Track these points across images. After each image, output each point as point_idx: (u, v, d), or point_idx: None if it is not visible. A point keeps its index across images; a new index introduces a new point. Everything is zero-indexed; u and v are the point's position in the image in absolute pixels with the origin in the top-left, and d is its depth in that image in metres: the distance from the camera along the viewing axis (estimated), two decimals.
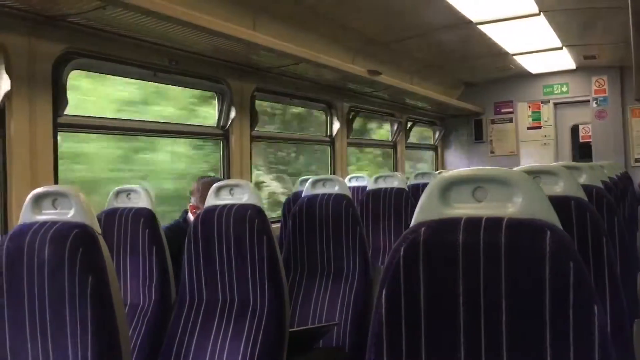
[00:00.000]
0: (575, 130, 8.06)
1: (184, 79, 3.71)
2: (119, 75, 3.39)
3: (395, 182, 3.84)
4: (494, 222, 1.11)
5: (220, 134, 4.01)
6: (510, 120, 8.18)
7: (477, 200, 1.18)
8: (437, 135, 8.38)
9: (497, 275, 1.08)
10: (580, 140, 8.02)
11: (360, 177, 4.95)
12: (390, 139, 6.92)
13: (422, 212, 1.19)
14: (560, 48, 6.31)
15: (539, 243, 1.07)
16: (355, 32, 4.91)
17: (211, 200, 2.31)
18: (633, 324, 1.92)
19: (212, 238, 2.22)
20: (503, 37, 5.60)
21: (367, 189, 3.99)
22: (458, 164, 8.26)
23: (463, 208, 1.18)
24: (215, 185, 2.33)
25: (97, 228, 1.71)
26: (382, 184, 3.89)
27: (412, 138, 7.66)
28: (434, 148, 8.40)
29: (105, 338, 1.64)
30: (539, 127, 8.07)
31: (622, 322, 1.80)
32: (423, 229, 1.15)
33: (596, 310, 1.04)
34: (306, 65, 4.05)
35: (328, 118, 5.38)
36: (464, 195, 1.19)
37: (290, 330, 2.20)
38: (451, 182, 1.19)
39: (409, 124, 7.24)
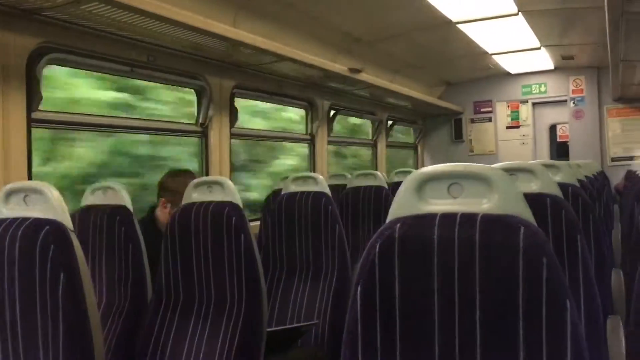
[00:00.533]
0: (553, 129, 8.16)
1: (162, 76, 3.66)
2: (94, 71, 3.34)
3: (375, 180, 3.84)
4: (469, 218, 1.12)
5: (199, 132, 3.97)
6: (490, 120, 8.25)
7: (452, 197, 1.18)
8: (417, 134, 8.41)
9: (472, 270, 1.09)
10: (558, 140, 8.13)
11: (340, 175, 4.94)
12: (371, 138, 6.92)
13: (398, 208, 1.19)
14: (539, 48, 6.38)
15: (513, 239, 1.07)
16: (337, 31, 4.90)
17: (188, 197, 2.28)
18: (606, 320, 1.94)
19: (188, 235, 2.19)
20: (482, 36, 5.65)
21: (347, 187, 3.99)
22: (437, 163, 8.32)
23: (438, 204, 1.18)
24: (193, 182, 2.29)
25: (69, 225, 1.67)
26: (362, 182, 3.89)
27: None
28: (414, 147, 8.43)
29: (77, 338, 1.61)
30: (518, 127, 8.15)
31: (596, 318, 1.82)
32: (398, 225, 1.15)
33: (568, 305, 1.05)
34: (287, 63, 4.02)
35: (308, 116, 5.37)
36: (440, 191, 1.19)
37: (268, 329, 2.18)
38: (427, 178, 1.19)
39: (390, 123, 7.25)
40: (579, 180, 3.68)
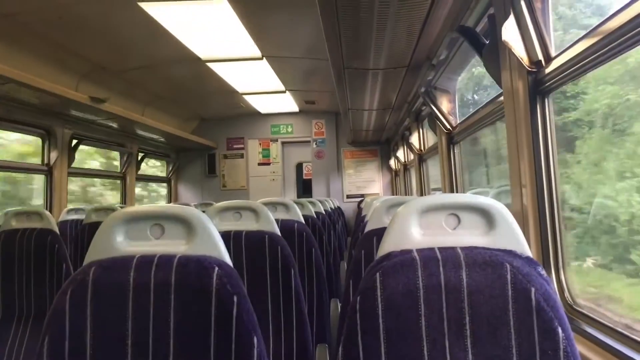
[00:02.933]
0: (299, 167, 8.81)
1: None
2: None
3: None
4: (166, 260, 1.12)
5: None
6: (242, 156, 8.57)
7: (154, 238, 1.19)
8: (170, 168, 8.31)
9: (167, 313, 1.09)
10: (304, 177, 8.79)
11: (79, 209, 4.62)
12: (119, 170, 6.63)
13: (95, 250, 1.16)
14: (284, 91, 6.84)
15: (207, 279, 1.11)
16: (80, 57, 4.62)
17: None
18: (316, 347, 2.13)
19: None
20: (232, 76, 5.84)
21: (84, 222, 3.75)
22: (188, 198, 8.33)
23: (139, 245, 1.17)
24: None
25: None
26: (102, 217, 3.69)
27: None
28: (167, 180, 8.30)
29: None
30: (269, 164, 8.62)
31: (307, 346, 1.99)
32: (93, 268, 1.11)
33: (255, 340, 1.11)
34: (15, 86, 3.66)
35: (45, 145, 4.93)
36: (141, 232, 1.18)
37: None
38: (128, 219, 1.18)
39: (141, 155, 7.04)
40: (317, 214, 4.04)
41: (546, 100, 1.96)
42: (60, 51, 4.39)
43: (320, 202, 5.28)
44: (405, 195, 6.77)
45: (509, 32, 1.97)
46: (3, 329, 2.62)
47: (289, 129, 8.60)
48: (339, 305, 2.97)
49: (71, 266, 2.73)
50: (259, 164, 8.62)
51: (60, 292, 1.10)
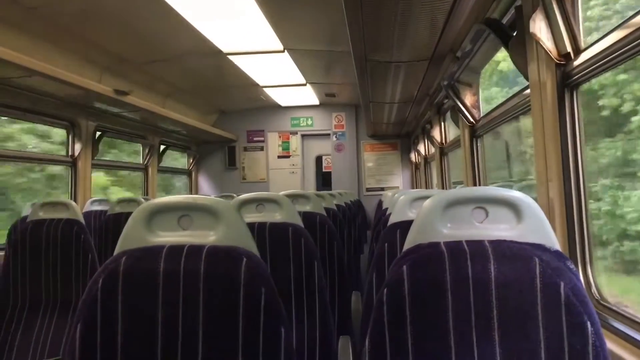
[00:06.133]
0: (319, 160, 8.81)
1: None
2: None
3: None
4: (195, 250, 1.14)
5: None
6: (262, 149, 8.59)
7: (182, 228, 1.20)
8: (191, 160, 8.38)
9: (196, 302, 1.11)
10: (324, 170, 8.79)
11: (103, 200, 4.68)
12: (141, 162, 6.70)
13: (125, 240, 1.17)
14: (305, 84, 6.84)
15: (235, 270, 1.12)
16: (102, 50, 4.66)
17: None
18: (339, 339, 2.14)
19: None
20: (253, 69, 5.85)
21: (108, 213, 3.80)
22: (208, 190, 8.39)
23: (168, 236, 1.18)
24: None
25: None
26: (125, 208, 3.74)
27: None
28: (188, 173, 8.37)
29: None
30: (288, 156, 8.63)
31: (330, 338, 2.00)
32: (124, 258, 1.13)
33: (283, 332, 1.12)
34: (40, 79, 3.71)
35: (70, 137, 5.00)
36: (170, 223, 1.20)
37: None
38: (156, 210, 1.19)
39: (162, 148, 7.10)
40: (338, 206, 4.04)
41: (574, 94, 1.93)
42: (83, 44, 4.43)
43: (340, 194, 5.28)
44: (426, 188, 6.74)
45: (537, 24, 1.94)
46: (30, 318, 2.67)
47: (309, 122, 8.60)
48: (361, 297, 2.99)
49: (96, 256, 2.78)
50: (279, 157, 8.64)
51: (92, 281, 1.12)
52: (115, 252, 1.17)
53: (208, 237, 1.19)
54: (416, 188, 7.92)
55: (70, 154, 4.99)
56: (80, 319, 1.10)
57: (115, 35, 4.43)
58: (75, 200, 4.87)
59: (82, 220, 2.80)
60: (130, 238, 1.18)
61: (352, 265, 3.69)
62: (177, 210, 1.20)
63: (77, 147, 4.98)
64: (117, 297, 1.10)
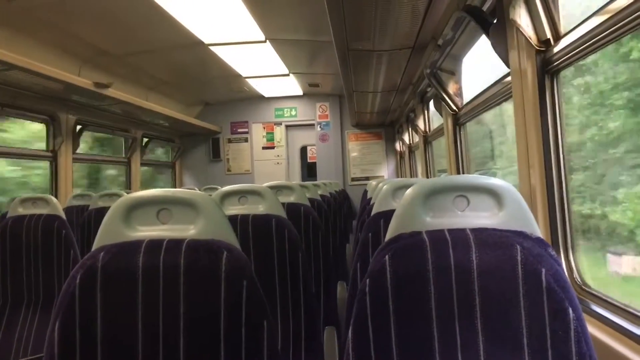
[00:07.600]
0: (304, 150, 8.79)
1: None
2: None
3: None
4: (175, 244, 1.12)
5: None
6: (246, 140, 8.55)
7: (161, 222, 1.19)
8: (175, 153, 8.31)
9: (176, 297, 1.09)
10: (308, 160, 8.78)
11: (85, 195, 4.63)
12: (124, 155, 6.63)
13: (104, 235, 1.15)
14: (288, 75, 6.80)
15: (216, 263, 1.11)
16: (82, 42, 4.58)
17: None
18: (324, 330, 2.13)
19: None
20: (235, 60, 5.80)
21: (90, 208, 3.76)
22: (192, 183, 8.33)
23: (147, 230, 1.17)
24: None
25: None
26: (107, 203, 3.71)
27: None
28: (171, 165, 8.31)
29: None
30: (273, 147, 8.59)
31: (316, 329, 2.00)
32: (102, 253, 1.11)
33: (266, 325, 1.11)
34: (19, 73, 3.64)
35: (50, 131, 4.93)
36: (148, 217, 1.18)
37: None
38: (134, 204, 1.17)
39: (145, 140, 7.03)
40: (322, 197, 4.03)
41: (555, 80, 1.94)
42: (62, 36, 4.35)
43: (325, 185, 5.27)
44: (411, 177, 6.76)
45: (517, 10, 1.94)
46: (12, 314, 2.64)
47: (293, 112, 8.56)
48: (346, 287, 2.99)
49: (78, 252, 2.75)
50: (264, 148, 8.60)
51: (70, 277, 1.10)
52: (94, 247, 1.15)
53: (188, 230, 1.17)
54: (401, 177, 7.94)
55: (50, 148, 4.92)
56: (58, 315, 1.08)
57: (95, 27, 4.35)
58: (56, 196, 4.81)
59: (63, 215, 2.77)
60: (108, 233, 1.16)
61: (337, 255, 3.69)
62: (155, 204, 1.18)
63: (58, 141, 4.90)
64: (95, 294, 1.08)
